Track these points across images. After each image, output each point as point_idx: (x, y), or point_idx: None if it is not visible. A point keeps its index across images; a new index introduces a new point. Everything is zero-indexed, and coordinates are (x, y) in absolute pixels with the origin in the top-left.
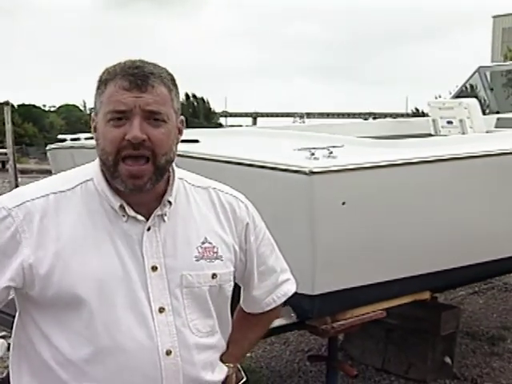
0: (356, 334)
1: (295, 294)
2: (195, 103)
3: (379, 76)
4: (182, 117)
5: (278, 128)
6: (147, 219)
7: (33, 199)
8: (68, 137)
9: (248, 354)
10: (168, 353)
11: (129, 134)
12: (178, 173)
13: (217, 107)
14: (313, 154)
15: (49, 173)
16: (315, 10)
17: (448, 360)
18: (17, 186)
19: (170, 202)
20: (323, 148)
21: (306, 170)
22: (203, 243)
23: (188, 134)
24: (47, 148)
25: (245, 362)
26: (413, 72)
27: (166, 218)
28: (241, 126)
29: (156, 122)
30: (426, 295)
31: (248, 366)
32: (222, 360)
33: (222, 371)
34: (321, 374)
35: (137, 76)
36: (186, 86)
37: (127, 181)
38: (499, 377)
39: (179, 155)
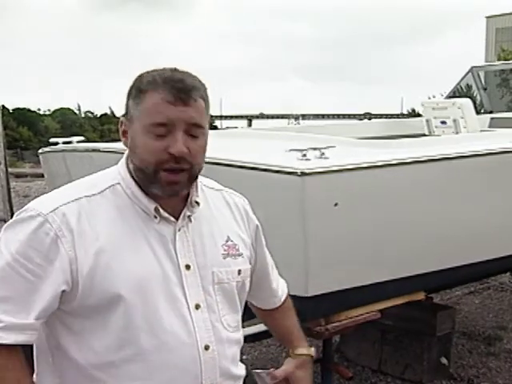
0: (352, 336)
1: (289, 295)
2: None
3: (375, 77)
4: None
5: (270, 129)
6: (176, 220)
7: (66, 203)
8: (60, 140)
9: (244, 357)
10: (206, 348)
11: (173, 149)
12: None
13: (212, 110)
14: (304, 155)
15: (44, 177)
16: (311, 10)
17: (444, 360)
18: (9, 190)
19: (197, 203)
20: (315, 149)
21: (298, 171)
22: (227, 241)
23: None
24: (39, 151)
25: None
26: (408, 72)
27: (192, 219)
28: (236, 127)
29: (195, 134)
30: (421, 296)
31: None
32: (301, 347)
33: (242, 367)
34: (317, 375)
35: (181, 90)
36: None
37: (166, 187)
38: (496, 377)
39: None
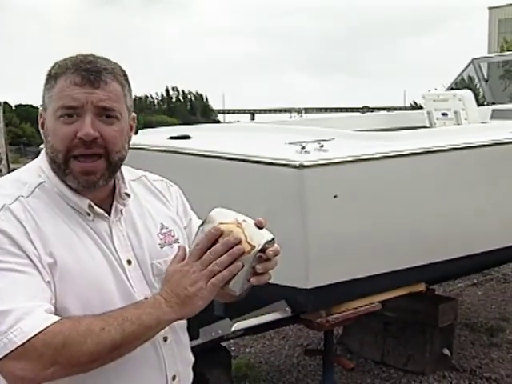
0: (354, 328)
1: (289, 287)
2: (193, 100)
3: (377, 70)
4: (134, 114)
5: (270, 123)
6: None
7: (10, 203)
8: None
9: (247, 350)
10: (165, 339)
11: (80, 132)
12: None
13: (215, 104)
14: (303, 148)
15: None
16: (310, 4)
17: (447, 352)
18: None
19: (128, 195)
20: (314, 141)
21: (297, 163)
22: (161, 229)
23: (180, 130)
24: (40, 147)
25: (244, 358)
26: (411, 65)
27: (123, 212)
28: (239, 122)
29: (109, 119)
30: (422, 287)
31: (247, 362)
32: None
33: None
34: (320, 368)
35: (89, 71)
36: (183, 83)
37: (80, 177)
38: (498, 367)
39: (171, 151)
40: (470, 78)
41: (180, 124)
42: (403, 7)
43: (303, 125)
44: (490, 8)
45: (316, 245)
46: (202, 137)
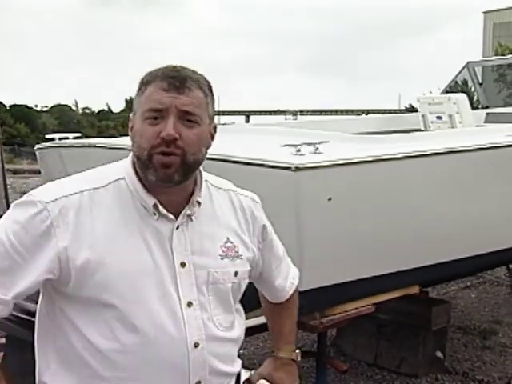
0: (348, 330)
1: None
2: None
3: (377, 70)
4: (216, 123)
5: (265, 125)
6: (176, 218)
7: (68, 195)
8: (56, 136)
9: (241, 351)
10: (196, 345)
11: (163, 132)
12: (203, 175)
13: None
14: (299, 151)
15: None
16: (308, 5)
17: (439, 354)
18: (5, 187)
19: (198, 203)
20: (309, 144)
21: (292, 166)
22: (226, 242)
23: None
24: (35, 148)
25: None
26: (407, 68)
27: (193, 218)
28: (234, 123)
29: (189, 122)
30: (416, 289)
31: (241, 364)
32: (284, 350)
33: (237, 364)
34: (313, 370)
35: (175, 78)
36: None
37: (159, 170)
38: (491, 370)
39: None
40: (464, 81)
41: None
42: (399, 9)
43: (299, 127)
44: (484, 12)
45: (310, 247)
46: None
